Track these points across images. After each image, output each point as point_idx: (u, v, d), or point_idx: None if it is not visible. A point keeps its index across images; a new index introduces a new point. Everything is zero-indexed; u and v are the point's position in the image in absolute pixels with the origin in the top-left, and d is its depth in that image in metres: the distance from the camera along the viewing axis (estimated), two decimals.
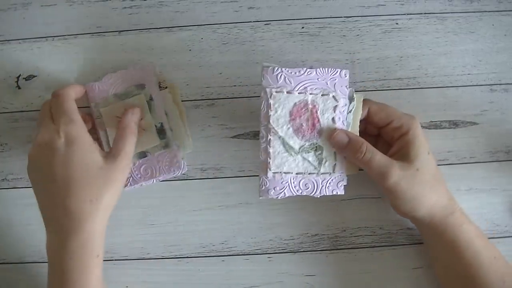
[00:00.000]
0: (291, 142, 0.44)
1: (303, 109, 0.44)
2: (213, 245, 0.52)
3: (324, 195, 0.45)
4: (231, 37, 0.53)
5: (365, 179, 0.51)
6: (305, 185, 0.45)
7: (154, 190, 0.51)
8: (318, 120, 0.44)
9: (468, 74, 0.53)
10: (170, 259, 0.51)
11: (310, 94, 0.44)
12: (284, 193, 0.45)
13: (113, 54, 0.53)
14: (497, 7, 0.53)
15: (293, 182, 0.45)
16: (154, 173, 0.49)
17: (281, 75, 0.44)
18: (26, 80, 0.53)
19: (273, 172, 0.44)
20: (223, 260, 0.51)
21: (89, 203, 0.42)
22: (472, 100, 0.53)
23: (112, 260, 0.51)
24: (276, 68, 0.44)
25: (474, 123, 0.52)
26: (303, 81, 0.44)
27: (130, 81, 0.50)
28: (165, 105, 0.50)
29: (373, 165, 0.43)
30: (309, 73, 0.44)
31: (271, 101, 0.44)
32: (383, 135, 0.48)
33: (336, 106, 0.45)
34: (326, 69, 0.45)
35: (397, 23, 0.53)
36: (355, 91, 0.46)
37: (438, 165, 0.50)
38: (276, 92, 0.44)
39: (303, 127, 0.44)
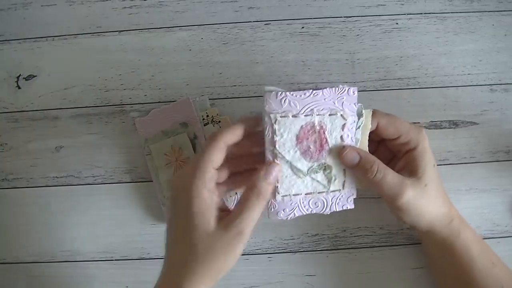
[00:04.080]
0: (299, 165, 0.42)
1: (310, 131, 0.42)
2: None
3: (334, 211, 0.44)
4: (231, 37, 0.53)
5: None
6: (315, 203, 0.43)
7: (154, 190, 0.51)
8: (326, 141, 0.42)
9: (468, 74, 0.53)
10: None
11: (317, 115, 0.42)
12: (294, 213, 0.43)
13: (113, 54, 0.53)
14: (497, 7, 0.53)
15: (303, 202, 0.43)
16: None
17: (286, 99, 0.41)
18: (26, 80, 0.53)
19: (282, 196, 0.42)
20: None
21: (190, 264, 0.38)
22: (472, 100, 0.53)
23: (112, 260, 0.51)
24: (280, 92, 0.41)
25: (474, 123, 0.52)
26: (309, 103, 0.42)
27: (174, 118, 0.50)
28: None
29: (385, 185, 0.42)
30: (315, 94, 0.41)
31: (276, 127, 0.41)
32: (389, 146, 0.46)
33: (344, 124, 0.42)
34: (333, 88, 0.42)
35: (397, 23, 0.53)
36: (363, 107, 0.44)
37: (438, 165, 0.50)
38: (281, 117, 0.41)
39: (310, 149, 0.42)
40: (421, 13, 0.53)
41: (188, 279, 0.37)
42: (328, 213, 0.44)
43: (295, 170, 0.42)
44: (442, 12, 0.53)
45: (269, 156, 0.42)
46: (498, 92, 0.53)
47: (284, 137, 0.42)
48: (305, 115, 0.42)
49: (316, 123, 0.42)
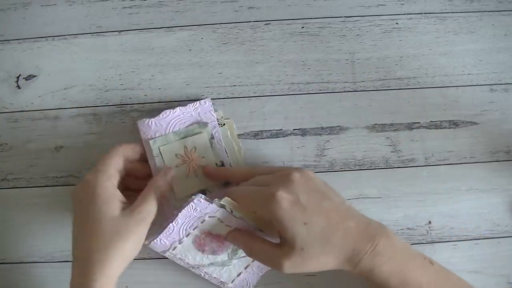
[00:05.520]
0: (219, 261, 0.48)
1: (205, 238, 0.47)
2: None
3: (264, 271, 0.50)
4: (231, 37, 0.53)
5: (364, 179, 0.51)
6: (251, 276, 0.50)
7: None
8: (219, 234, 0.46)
9: (468, 74, 0.53)
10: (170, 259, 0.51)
11: (203, 225, 0.45)
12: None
13: (113, 54, 0.53)
14: (497, 7, 0.53)
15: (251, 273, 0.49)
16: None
17: (152, 122, 0.47)
18: (26, 80, 0.53)
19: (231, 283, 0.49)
20: None
21: (96, 253, 0.40)
22: (472, 100, 0.53)
23: None
24: (146, 120, 0.47)
25: (474, 123, 0.52)
26: (171, 120, 0.48)
27: (190, 118, 0.49)
28: (224, 142, 0.50)
29: (264, 260, 0.43)
30: (173, 112, 0.48)
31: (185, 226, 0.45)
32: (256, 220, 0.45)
33: (212, 136, 0.49)
34: (188, 105, 0.48)
35: (397, 23, 0.53)
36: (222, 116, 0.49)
37: (438, 165, 0.50)
38: (183, 209, 0.43)
39: (214, 249, 0.47)
40: (421, 13, 0.53)
41: (97, 268, 0.40)
42: (261, 274, 0.50)
43: (218, 265, 0.48)
44: (442, 12, 0.53)
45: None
46: (498, 92, 0.53)
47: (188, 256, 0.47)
48: (197, 227, 0.45)
49: (208, 228, 0.46)
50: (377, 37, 0.53)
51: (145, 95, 0.53)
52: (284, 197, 0.40)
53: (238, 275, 0.48)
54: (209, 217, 0.44)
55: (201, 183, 0.48)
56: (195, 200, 0.42)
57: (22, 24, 0.53)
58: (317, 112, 0.52)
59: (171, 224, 0.44)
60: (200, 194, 0.43)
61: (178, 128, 0.48)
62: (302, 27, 0.53)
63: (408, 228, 0.51)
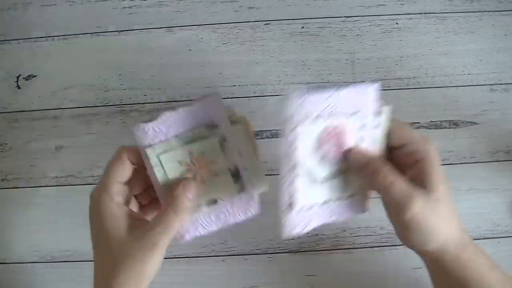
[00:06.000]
0: (317, 173, 0.39)
1: (330, 135, 0.38)
2: (213, 245, 0.51)
3: (348, 217, 0.41)
4: (231, 37, 0.53)
5: None
6: (331, 211, 0.40)
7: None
8: (346, 144, 0.39)
9: (468, 74, 0.53)
10: (170, 259, 0.51)
11: (337, 116, 0.38)
12: (310, 225, 0.40)
13: (113, 54, 0.53)
14: (497, 7, 0.53)
15: (319, 212, 0.40)
16: (227, 218, 0.42)
17: (304, 101, 0.37)
18: (26, 80, 0.53)
19: (297, 211, 0.39)
20: (223, 260, 0.51)
21: (102, 281, 0.39)
22: (472, 100, 0.53)
23: None
24: (298, 95, 0.37)
25: (474, 123, 0.52)
26: (329, 105, 0.38)
27: (196, 119, 0.40)
28: (238, 143, 0.41)
29: (393, 192, 0.37)
30: (334, 95, 0.38)
31: (293, 135, 0.37)
32: (395, 157, 0.42)
33: (364, 125, 0.39)
34: (353, 87, 0.38)
35: (397, 23, 0.53)
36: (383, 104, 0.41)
37: None
38: (301, 122, 0.37)
39: (330, 154, 0.39)
40: (421, 13, 0.53)
41: (114, 281, 0.38)
42: (343, 220, 0.41)
43: (312, 177, 0.39)
44: (442, 12, 0.53)
45: (284, 170, 0.38)
46: (498, 92, 0.53)
47: (302, 146, 0.38)
48: (325, 118, 0.38)
49: (336, 125, 0.39)
50: (377, 37, 0.53)
51: (145, 95, 0.53)
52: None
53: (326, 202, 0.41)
54: (351, 115, 0.39)
55: (210, 192, 0.41)
56: (372, 87, 0.38)
57: (22, 24, 0.53)
58: None
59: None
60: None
61: (181, 132, 0.40)
62: (302, 27, 0.53)
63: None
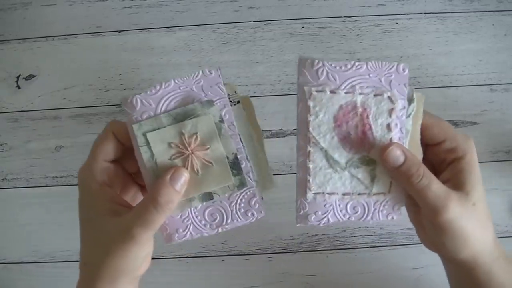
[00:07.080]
0: (336, 155, 0.35)
1: (351, 113, 0.35)
2: (213, 245, 0.51)
3: (377, 221, 0.37)
4: (231, 37, 0.53)
5: None
6: (354, 208, 0.36)
7: None
8: (370, 127, 0.35)
9: (468, 74, 0.53)
10: (170, 259, 0.51)
11: (360, 94, 0.35)
12: (328, 218, 0.36)
13: (113, 54, 0.53)
14: (497, 7, 0.53)
15: (339, 205, 0.36)
16: (224, 219, 0.36)
17: (323, 70, 0.34)
18: (26, 80, 0.53)
19: (313, 193, 0.35)
20: (223, 260, 0.51)
21: (83, 266, 0.35)
22: (472, 100, 0.53)
23: None
24: (317, 61, 0.34)
25: (474, 123, 0.52)
26: (351, 77, 0.35)
27: (190, 94, 0.35)
28: (239, 127, 0.36)
29: (429, 195, 0.34)
30: (358, 67, 0.35)
31: (310, 103, 0.34)
32: (429, 154, 0.38)
33: (392, 109, 0.35)
34: (380, 62, 0.35)
35: (397, 23, 0.53)
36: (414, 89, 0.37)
37: None
38: (317, 91, 0.34)
39: (351, 136, 0.35)
40: (421, 13, 0.53)
41: (99, 278, 0.34)
42: (370, 221, 0.37)
43: (331, 161, 0.35)
44: (442, 12, 0.53)
45: (300, 141, 0.35)
46: (498, 92, 0.53)
47: (320, 118, 0.35)
48: (346, 92, 0.34)
49: (359, 104, 0.35)
50: (377, 37, 0.53)
51: None
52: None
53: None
54: (375, 95, 0.35)
55: (204, 184, 0.35)
56: (400, 67, 0.35)
57: (22, 24, 0.53)
58: None
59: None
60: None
61: (172, 107, 0.35)
62: (302, 27, 0.53)
63: (408, 228, 0.51)
